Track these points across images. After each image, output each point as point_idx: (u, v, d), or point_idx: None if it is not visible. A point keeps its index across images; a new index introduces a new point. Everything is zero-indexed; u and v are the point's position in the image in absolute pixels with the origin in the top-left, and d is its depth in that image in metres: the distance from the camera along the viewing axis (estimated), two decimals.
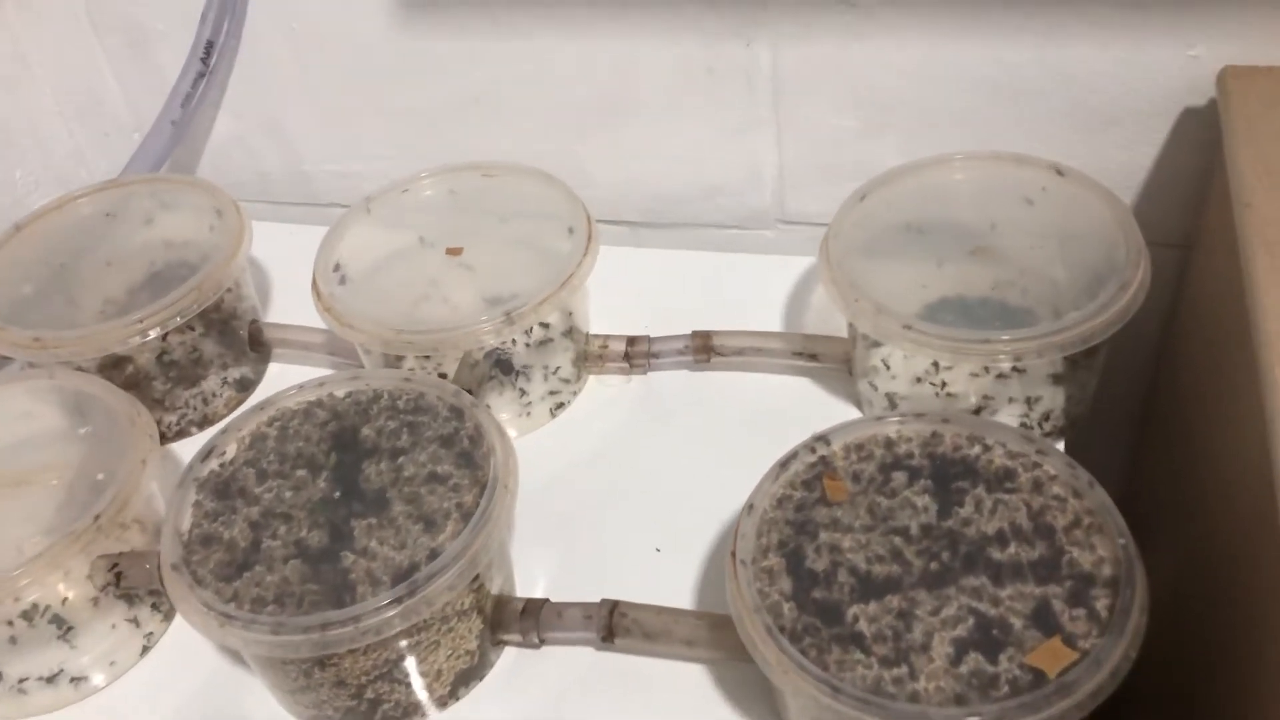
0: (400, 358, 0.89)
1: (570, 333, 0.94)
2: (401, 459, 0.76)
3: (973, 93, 0.94)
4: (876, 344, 0.85)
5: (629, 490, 0.89)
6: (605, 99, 1.05)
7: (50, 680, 0.78)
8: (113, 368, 0.96)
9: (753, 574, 0.66)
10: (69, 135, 1.21)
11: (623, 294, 1.05)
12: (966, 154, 0.90)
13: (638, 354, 0.96)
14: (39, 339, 0.90)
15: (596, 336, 0.97)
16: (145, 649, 0.82)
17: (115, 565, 0.77)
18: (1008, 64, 0.91)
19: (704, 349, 0.95)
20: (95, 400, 0.84)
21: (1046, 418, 0.83)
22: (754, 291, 1.03)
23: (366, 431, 0.79)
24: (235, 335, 1.02)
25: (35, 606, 0.76)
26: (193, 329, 0.98)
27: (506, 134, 1.08)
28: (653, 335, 0.97)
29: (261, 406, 0.81)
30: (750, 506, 0.69)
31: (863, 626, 0.63)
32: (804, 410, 0.92)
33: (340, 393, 0.82)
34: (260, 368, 1.05)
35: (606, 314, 1.02)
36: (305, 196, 1.21)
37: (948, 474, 0.70)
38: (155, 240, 1.04)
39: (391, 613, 0.67)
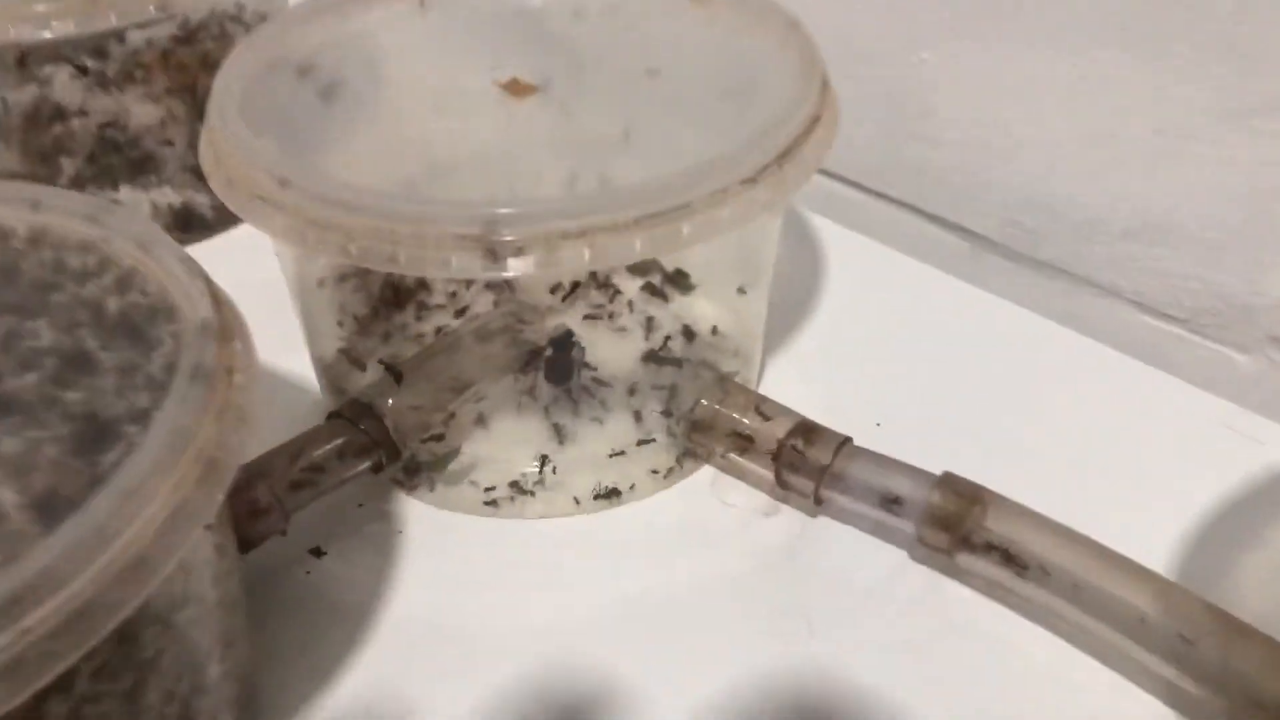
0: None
1: (704, 358, 0.43)
2: None
3: None
4: None
5: None
6: None
7: None
8: (44, 122, 0.58)
9: None
10: None
11: (882, 347, 0.51)
12: None
13: (804, 466, 0.42)
14: None
15: (754, 396, 0.44)
16: None
17: None
18: None
19: (950, 521, 0.39)
20: None
21: None
22: (1155, 457, 0.46)
23: None
24: None
25: None
26: (153, 85, 0.58)
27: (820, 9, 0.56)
28: (863, 445, 0.42)
29: None
30: None
31: None
32: None
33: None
34: None
35: (816, 373, 0.49)
36: None
37: None
38: None
39: None
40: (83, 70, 0.57)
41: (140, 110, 0.59)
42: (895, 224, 0.60)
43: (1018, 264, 0.57)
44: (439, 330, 0.50)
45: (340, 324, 0.46)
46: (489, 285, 0.51)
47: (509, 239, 0.34)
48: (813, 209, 0.60)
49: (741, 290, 0.47)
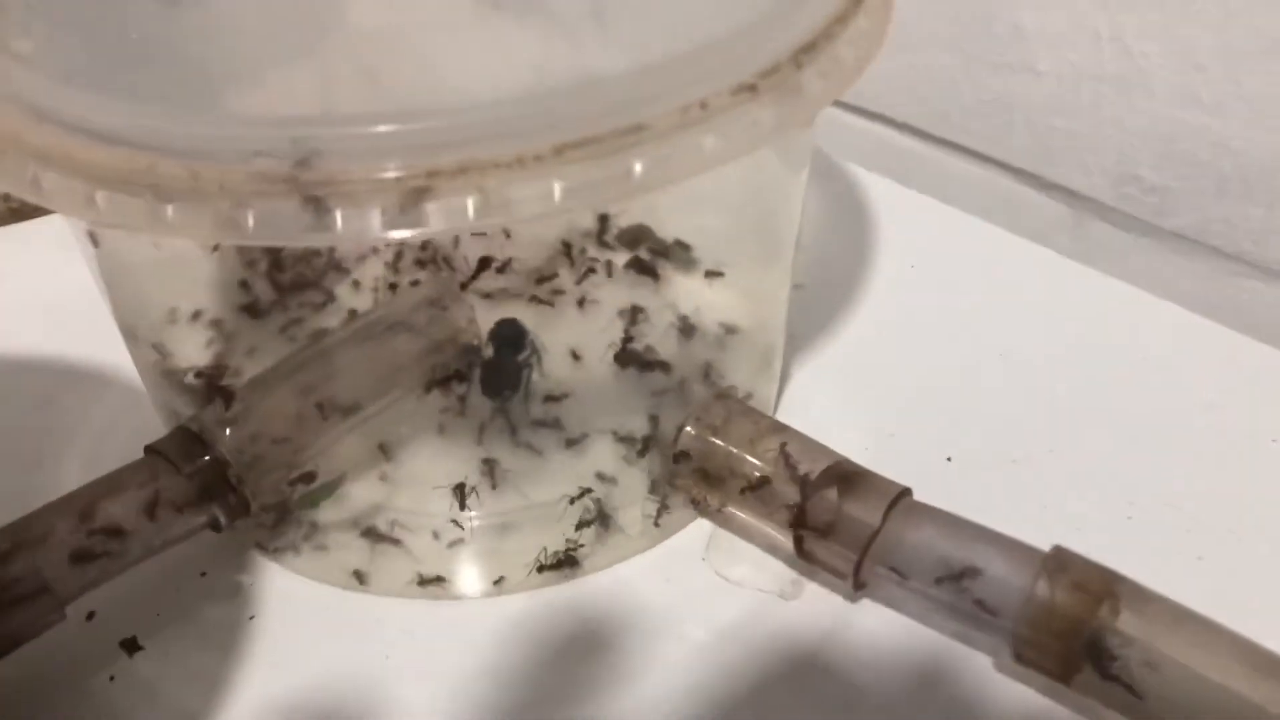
0: None
1: (702, 362, 0.30)
2: None
3: None
4: None
5: None
6: None
7: None
8: None
9: None
10: None
11: (953, 349, 0.38)
12: None
13: (841, 531, 0.28)
14: None
15: (769, 422, 0.30)
16: None
17: None
18: None
19: (1065, 627, 0.25)
20: None
21: None
22: None
23: None
24: None
25: None
26: None
27: None
28: (928, 500, 0.28)
29: None
30: None
31: None
32: None
33: None
34: None
35: (859, 387, 0.35)
36: None
37: None
38: None
39: None
40: None
41: None
42: (971, 183, 0.46)
43: (1139, 235, 0.43)
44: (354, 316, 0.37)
45: (178, 311, 0.33)
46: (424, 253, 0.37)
47: (336, 180, 0.21)
48: (859, 161, 0.46)
49: (715, 271, 0.34)
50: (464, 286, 0.32)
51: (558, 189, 0.21)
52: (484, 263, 0.32)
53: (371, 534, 0.31)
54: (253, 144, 0.21)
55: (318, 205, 0.21)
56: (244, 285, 0.36)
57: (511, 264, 0.38)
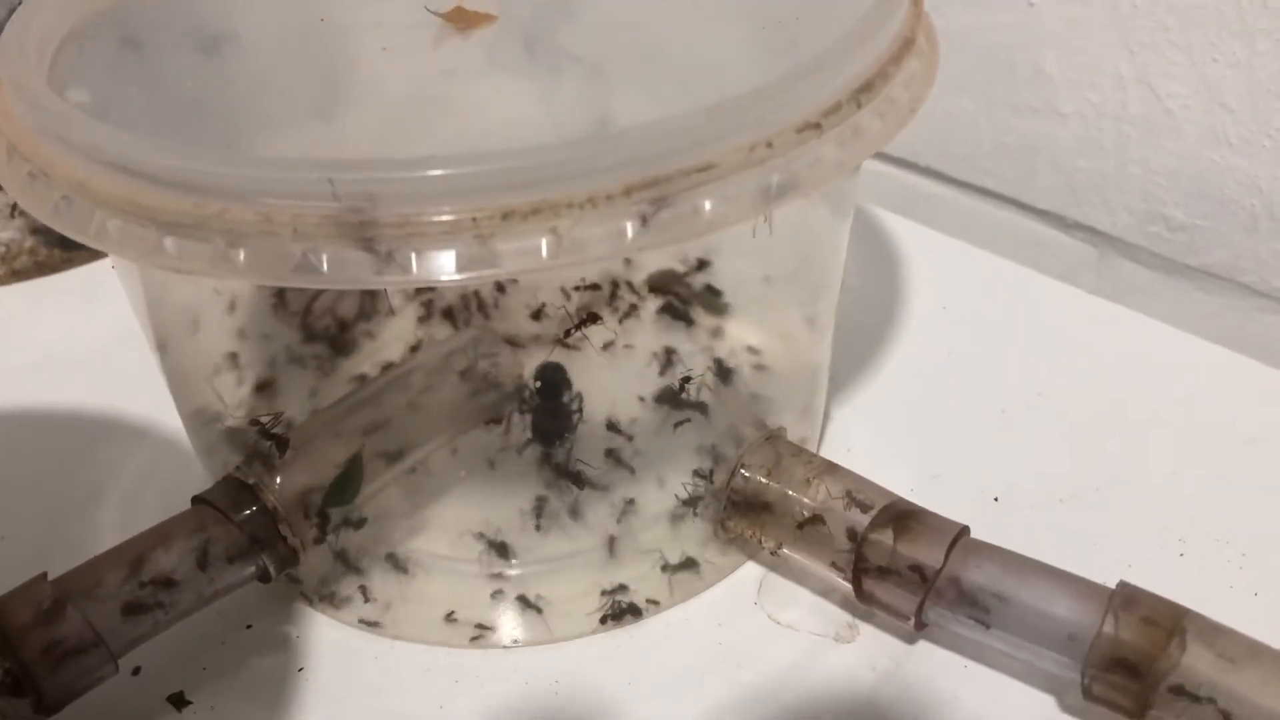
0: None
1: (744, 402, 0.31)
2: None
3: None
4: None
5: None
6: None
7: None
8: None
9: None
10: None
11: (991, 388, 0.38)
12: None
13: (900, 572, 0.28)
14: None
15: (821, 463, 0.30)
16: None
17: None
18: None
19: (1137, 663, 0.24)
20: None
21: None
22: None
23: None
24: None
25: None
26: None
27: None
28: (982, 538, 0.28)
29: None
30: None
31: None
32: None
33: None
34: None
35: (901, 428, 0.36)
36: None
37: None
38: None
39: None
40: None
41: None
42: (999, 226, 0.46)
43: (1165, 273, 0.43)
44: (387, 368, 0.37)
45: (229, 358, 0.33)
46: (465, 300, 0.37)
47: (410, 222, 0.21)
48: (886, 206, 0.46)
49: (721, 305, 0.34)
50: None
51: (630, 229, 0.21)
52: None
53: (418, 579, 0.31)
54: (323, 188, 0.21)
55: (391, 247, 0.21)
56: (281, 329, 0.36)
57: (545, 310, 0.38)
